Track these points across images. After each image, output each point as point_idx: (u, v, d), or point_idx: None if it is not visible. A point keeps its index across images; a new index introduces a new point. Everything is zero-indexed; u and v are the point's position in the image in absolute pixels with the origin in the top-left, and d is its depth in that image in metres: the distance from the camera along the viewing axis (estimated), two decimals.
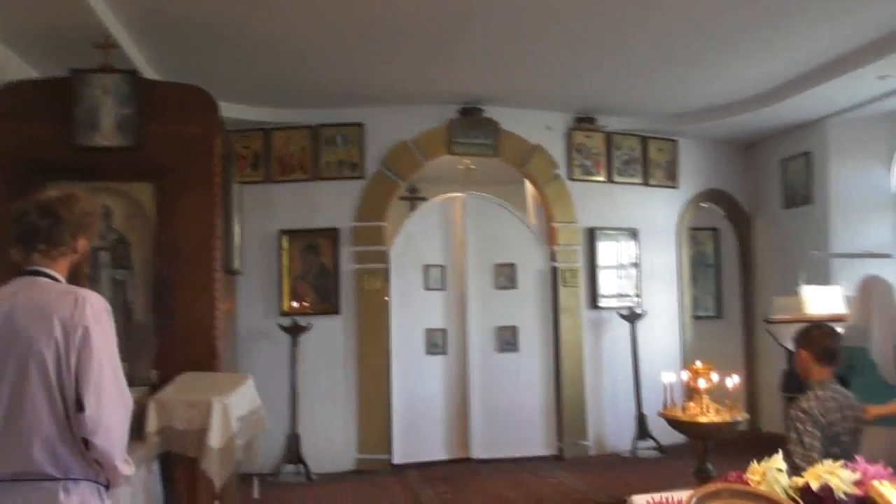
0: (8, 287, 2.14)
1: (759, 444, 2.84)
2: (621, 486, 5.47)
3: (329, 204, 6.61)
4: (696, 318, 7.78)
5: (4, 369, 2.04)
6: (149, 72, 5.22)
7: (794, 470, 3.28)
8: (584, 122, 7.16)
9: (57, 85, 4.38)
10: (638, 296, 7.18)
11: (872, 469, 2.08)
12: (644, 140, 7.48)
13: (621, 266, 7.29)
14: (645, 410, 6.78)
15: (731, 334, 8.01)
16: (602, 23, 5.00)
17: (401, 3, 4.63)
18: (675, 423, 2.67)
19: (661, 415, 2.72)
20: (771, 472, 2.03)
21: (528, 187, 7.21)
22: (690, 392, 2.70)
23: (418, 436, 6.58)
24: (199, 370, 4.22)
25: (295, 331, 6.20)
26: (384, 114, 6.69)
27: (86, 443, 2.09)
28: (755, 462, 2.09)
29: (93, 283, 3.85)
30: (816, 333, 3.95)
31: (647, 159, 7.50)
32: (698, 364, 2.73)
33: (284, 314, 6.38)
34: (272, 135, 6.68)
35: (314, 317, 6.35)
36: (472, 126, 6.75)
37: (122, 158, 4.32)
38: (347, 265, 6.56)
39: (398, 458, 6.41)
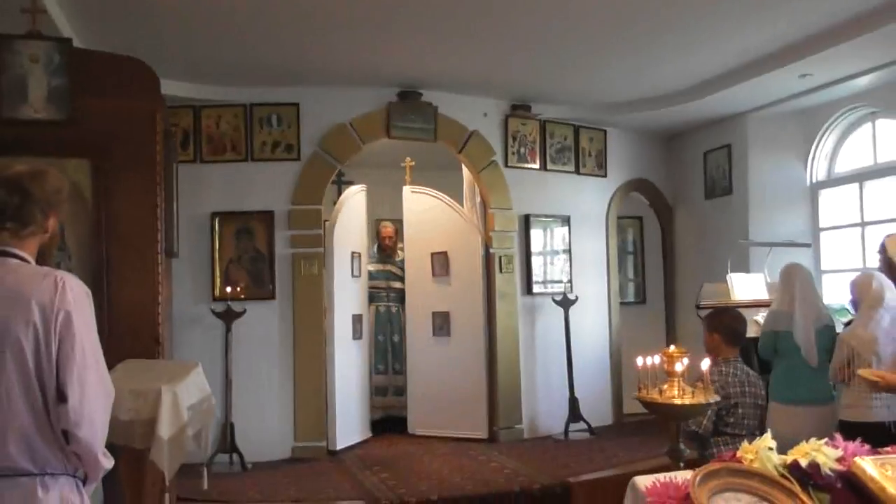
0: None
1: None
2: (561, 468, 5.60)
3: (263, 186, 6.39)
4: (622, 303, 8.03)
5: None
6: (75, 41, 4.88)
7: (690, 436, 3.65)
8: (519, 109, 7.22)
9: None
10: (569, 282, 7.32)
11: (852, 446, 2.21)
12: (576, 129, 7.62)
13: (554, 252, 7.42)
14: (577, 394, 6.95)
15: (654, 319, 8.31)
16: (537, 11, 5.04)
17: None
18: (651, 405, 2.74)
19: (637, 397, 2.79)
20: (763, 451, 2.12)
21: (466, 174, 7.22)
22: (665, 375, 2.78)
23: (351, 420, 6.64)
24: (140, 358, 4.01)
25: (228, 317, 5.99)
26: (321, 95, 6.51)
27: (65, 435, 1.95)
28: (745, 442, 2.19)
29: None
30: (727, 318, 4.33)
31: (579, 148, 7.65)
32: (672, 348, 2.81)
33: (217, 299, 6.15)
34: (202, 112, 6.40)
35: (248, 302, 6.14)
36: (410, 110, 6.67)
37: (54, 133, 4.02)
38: (283, 249, 6.38)
39: (333, 444, 6.34)
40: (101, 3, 4.65)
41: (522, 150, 7.26)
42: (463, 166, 7.17)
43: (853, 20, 5.22)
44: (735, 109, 7.21)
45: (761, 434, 3.94)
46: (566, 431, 6.86)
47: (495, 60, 6.11)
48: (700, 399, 2.71)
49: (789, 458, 2.12)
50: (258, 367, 6.21)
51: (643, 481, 2.05)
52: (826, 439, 2.19)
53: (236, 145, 6.41)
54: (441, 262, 7.10)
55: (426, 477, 5.41)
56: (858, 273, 4.77)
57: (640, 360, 2.82)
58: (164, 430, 3.49)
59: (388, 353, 7.50)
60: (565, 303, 7.02)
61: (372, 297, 7.48)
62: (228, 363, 5.99)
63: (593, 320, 7.55)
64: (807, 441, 2.18)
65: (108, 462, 2.06)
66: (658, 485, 1.99)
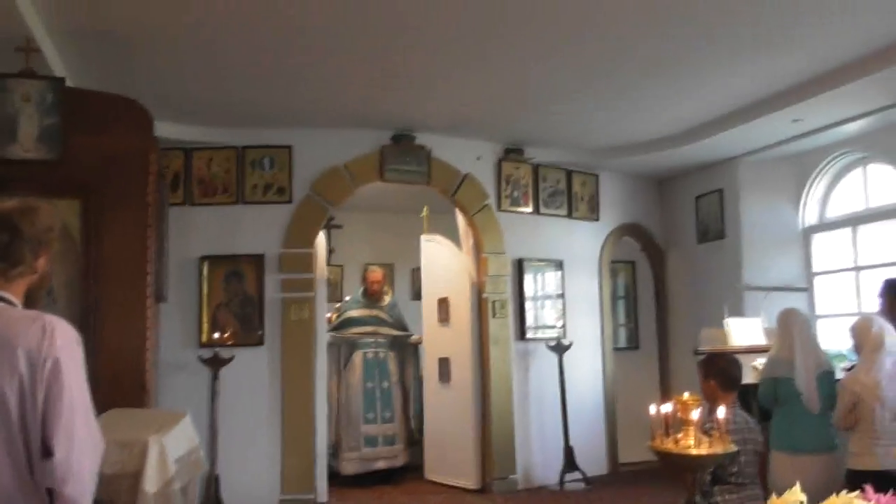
0: None
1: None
2: None
3: (254, 229, 6.28)
4: (616, 349, 7.92)
5: None
6: (67, 81, 4.81)
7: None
8: (512, 153, 7.20)
9: None
10: (563, 327, 7.22)
11: (885, 499, 2.10)
12: (569, 173, 7.61)
13: (546, 297, 7.33)
14: (572, 442, 6.78)
15: (648, 365, 8.19)
16: (529, 58, 5.07)
17: (331, 23, 4.46)
18: (666, 456, 2.62)
19: (651, 447, 2.67)
20: None
21: (459, 217, 7.16)
22: (678, 424, 2.67)
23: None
24: (126, 406, 3.85)
25: (216, 363, 5.80)
26: (314, 137, 6.46)
27: (49, 493, 1.80)
28: (774, 496, 2.07)
29: None
30: (721, 363, 4.20)
31: (572, 192, 7.63)
32: (686, 395, 2.70)
33: (204, 345, 5.97)
34: (193, 154, 6.32)
35: (236, 348, 5.96)
36: (404, 153, 6.63)
37: (44, 172, 3.93)
38: (273, 293, 6.24)
39: (322, 496, 6.12)
40: (95, 43, 4.59)
41: (516, 193, 7.22)
42: (457, 210, 7.11)
43: (844, 66, 5.28)
44: (727, 154, 7.23)
45: (761, 482, 3.83)
46: (562, 482, 6.68)
47: (488, 104, 6.12)
48: (718, 449, 2.59)
49: None
50: (245, 416, 6.00)
51: None
52: (858, 491, 2.08)
53: (227, 187, 6.31)
54: (444, 308, 7.05)
55: None
56: (857, 318, 4.70)
57: (652, 408, 2.71)
58: (151, 484, 3.33)
59: (376, 402, 7.22)
60: (559, 348, 6.91)
61: (357, 344, 7.28)
62: (214, 412, 5.77)
63: (588, 366, 7.43)
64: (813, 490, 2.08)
65: None
66: None
